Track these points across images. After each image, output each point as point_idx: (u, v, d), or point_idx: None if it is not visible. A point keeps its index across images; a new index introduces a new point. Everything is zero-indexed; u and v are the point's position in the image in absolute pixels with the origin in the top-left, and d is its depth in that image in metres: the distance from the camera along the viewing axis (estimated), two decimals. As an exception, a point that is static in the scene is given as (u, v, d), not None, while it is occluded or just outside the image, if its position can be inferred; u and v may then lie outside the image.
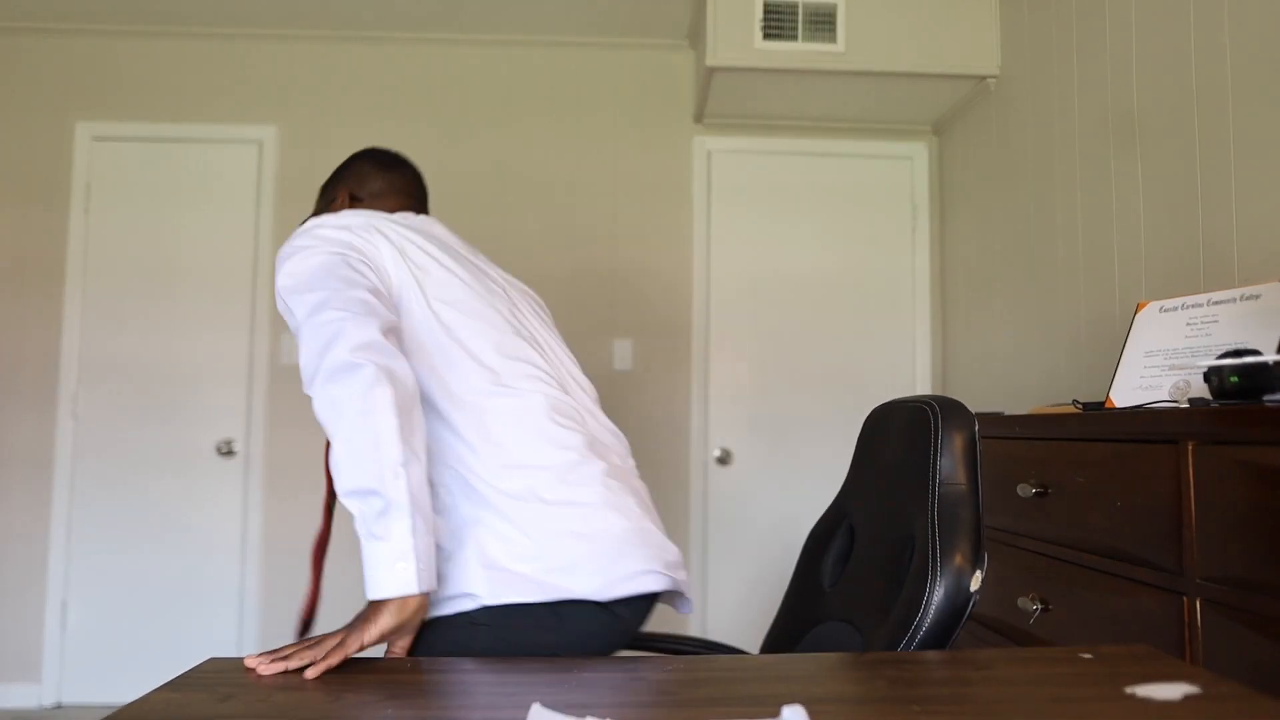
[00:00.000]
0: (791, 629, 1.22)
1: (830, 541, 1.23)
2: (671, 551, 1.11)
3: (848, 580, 1.14)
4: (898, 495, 1.06)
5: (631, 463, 1.22)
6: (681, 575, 1.11)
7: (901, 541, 1.01)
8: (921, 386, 3.09)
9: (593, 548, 1.05)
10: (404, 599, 0.86)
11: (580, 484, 1.08)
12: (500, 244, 3.08)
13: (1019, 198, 2.48)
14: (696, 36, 2.98)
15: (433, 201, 3.08)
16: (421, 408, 0.99)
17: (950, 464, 0.97)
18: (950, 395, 2.98)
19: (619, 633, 1.08)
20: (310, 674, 0.74)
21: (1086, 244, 2.11)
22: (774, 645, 1.24)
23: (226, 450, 2.97)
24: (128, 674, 2.90)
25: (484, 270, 1.24)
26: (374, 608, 0.86)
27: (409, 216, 1.27)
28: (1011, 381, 2.52)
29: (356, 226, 1.11)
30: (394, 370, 0.94)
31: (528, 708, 0.54)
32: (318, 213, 1.34)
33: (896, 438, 1.10)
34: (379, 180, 1.37)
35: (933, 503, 0.96)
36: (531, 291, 1.37)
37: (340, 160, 3.07)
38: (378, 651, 2.87)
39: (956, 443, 0.98)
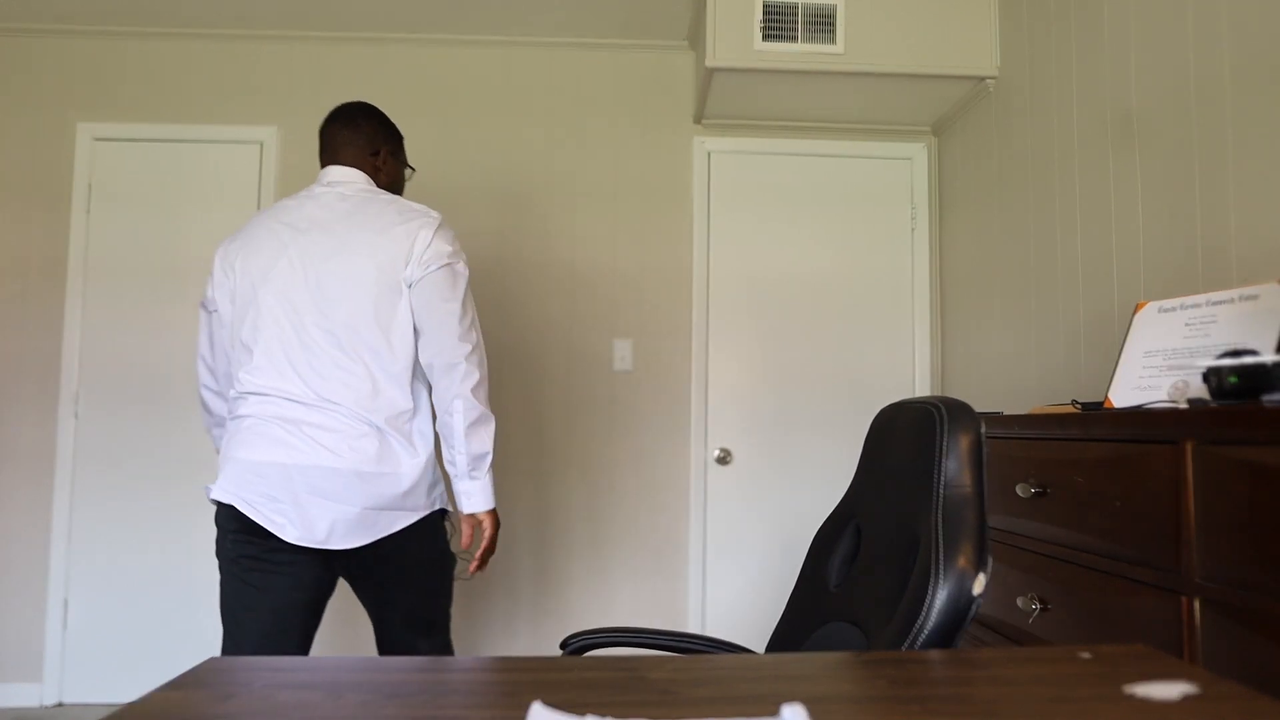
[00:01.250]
0: (797, 629, 1.22)
1: (837, 541, 1.23)
2: (262, 485, 1.50)
3: (854, 581, 1.15)
4: (903, 496, 1.06)
5: (319, 415, 1.53)
6: (271, 511, 1.50)
7: (907, 543, 1.02)
8: (920, 387, 3.10)
9: (224, 463, 1.56)
10: None
11: (234, 423, 1.58)
12: (500, 244, 3.08)
13: (1018, 198, 2.48)
14: (696, 37, 2.98)
15: (432, 204, 3.08)
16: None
17: (955, 466, 0.97)
18: (949, 395, 2.98)
19: (229, 533, 1.53)
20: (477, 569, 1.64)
21: (1085, 244, 2.12)
22: (779, 645, 1.24)
23: (227, 450, 2.97)
24: (129, 673, 2.90)
25: (261, 257, 1.60)
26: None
27: (300, 193, 1.69)
28: (1010, 381, 2.52)
29: (215, 268, 1.68)
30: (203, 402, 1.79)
31: (527, 707, 0.54)
32: None
33: (903, 439, 1.10)
34: (320, 143, 1.76)
35: (937, 505, 0.96)
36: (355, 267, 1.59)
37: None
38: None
39: (962, 445, 0.98)
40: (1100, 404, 1.55)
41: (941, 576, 0.90)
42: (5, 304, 2.98)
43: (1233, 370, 1.08)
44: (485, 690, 0.59)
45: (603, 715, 0.53)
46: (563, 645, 1.30)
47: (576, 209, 3.10)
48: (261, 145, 3.07)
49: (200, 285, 3.02)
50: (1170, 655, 0.72)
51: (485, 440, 1.61)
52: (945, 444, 0.98)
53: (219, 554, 1.55)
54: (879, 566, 1.08)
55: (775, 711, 0.54)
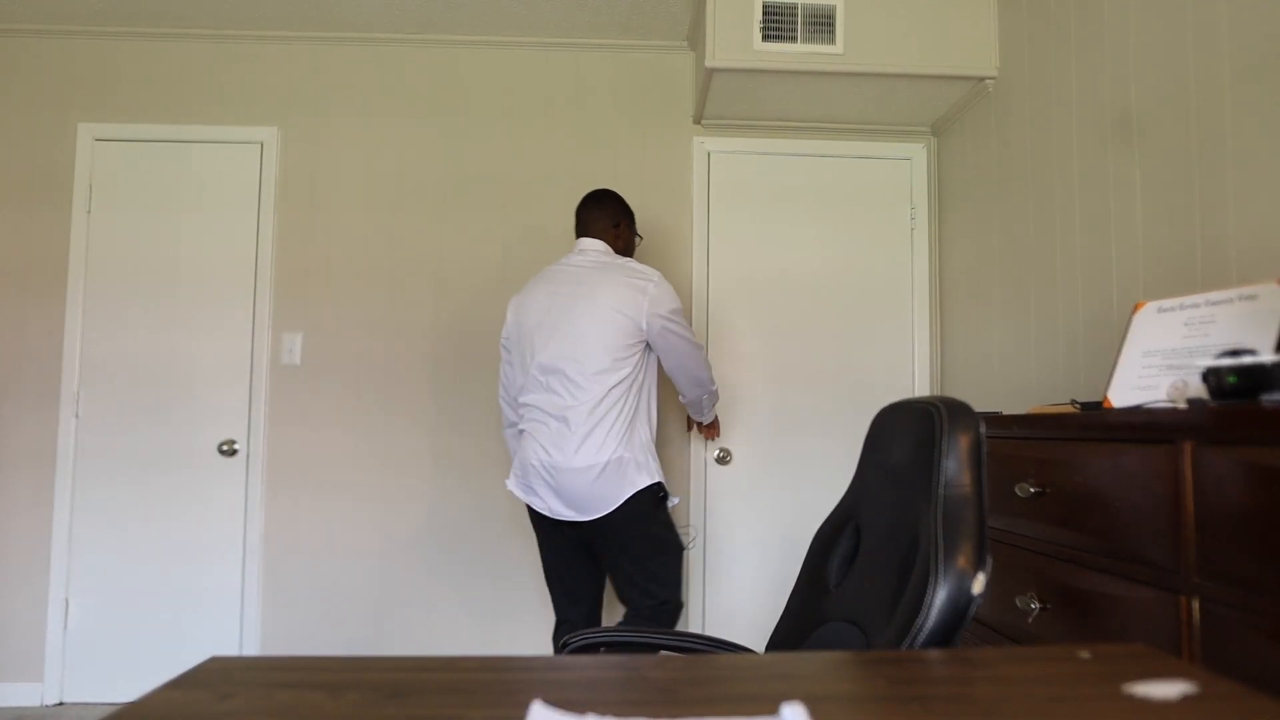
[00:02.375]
0: (797, 629, 1.22)
1: (837, 541, 1.23)
2: (525, 477, 2.18)
3: (853, 581, 1.15)
4: (903, 496, 1.06)
5: (555, 425, 2.11)
6: (528, 494, 2.18)
7: (907, 543, 1.02)
8: (920, 386, 3.10)
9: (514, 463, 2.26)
10: None
11: (518, 433, 2.30)
12: (500, 244, 3.09)
13: (1017, 198, 2.48)
14: (696, 38, 2.98)
15: (433, 204, 3.09)
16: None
17: (955, 466, 0.97)
18: (949, 395, 2.98)
19: (529, 512, 2.25)
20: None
21: (1084, 244, 2.12)
22: (779, 644, 1.24)
23: (229, 450, 2.97)
24: (129, 672, 2.91)
25: (535, 310, 2.21)
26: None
27: (566, 256, 2.36)
28: (1009, 381, 2.52)
29: (508, 315, 2.32)
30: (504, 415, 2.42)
31: (527, 706, 0.55)
32: None
33: (902, 439, 1.10)
34: (575, 219, 2.36)
35: (937, 505, 0.96)
36: (584, 298, 2.14)
37: (347, 161, 3.08)
38: (382, 649, 2.87)
39: (961, 445, 0.98)
40: (1099, 404, 1.55)
41: (941, 576, 0.90)
42: (5, 304, 2.99)
43: (1231, 370, 1.08)
44: (485, 690, 0.59)
45: (603, 715, 0.53)
46: (563, 645, 1.30)
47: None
48: (261, 146, 3.07)
49: (199, 284, 3.03)
50: (1169, 655, 0.72)
51: (714, 409, 2.54)
52: (945, 444, 0.99)
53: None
54: (879, 566, 1.08)
55: (775, 711, 0.54)
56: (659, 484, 2.14)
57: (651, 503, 2.13)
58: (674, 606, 2.14)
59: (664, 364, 2.23)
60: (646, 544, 2.12)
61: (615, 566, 2.14)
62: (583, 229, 2.30)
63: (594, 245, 2.26)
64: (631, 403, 2.13)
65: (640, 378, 2.16)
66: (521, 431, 2.22)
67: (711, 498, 3.04)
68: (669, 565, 2.14)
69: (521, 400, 2.21)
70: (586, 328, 2.10)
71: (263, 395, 2.99)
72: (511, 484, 2.24)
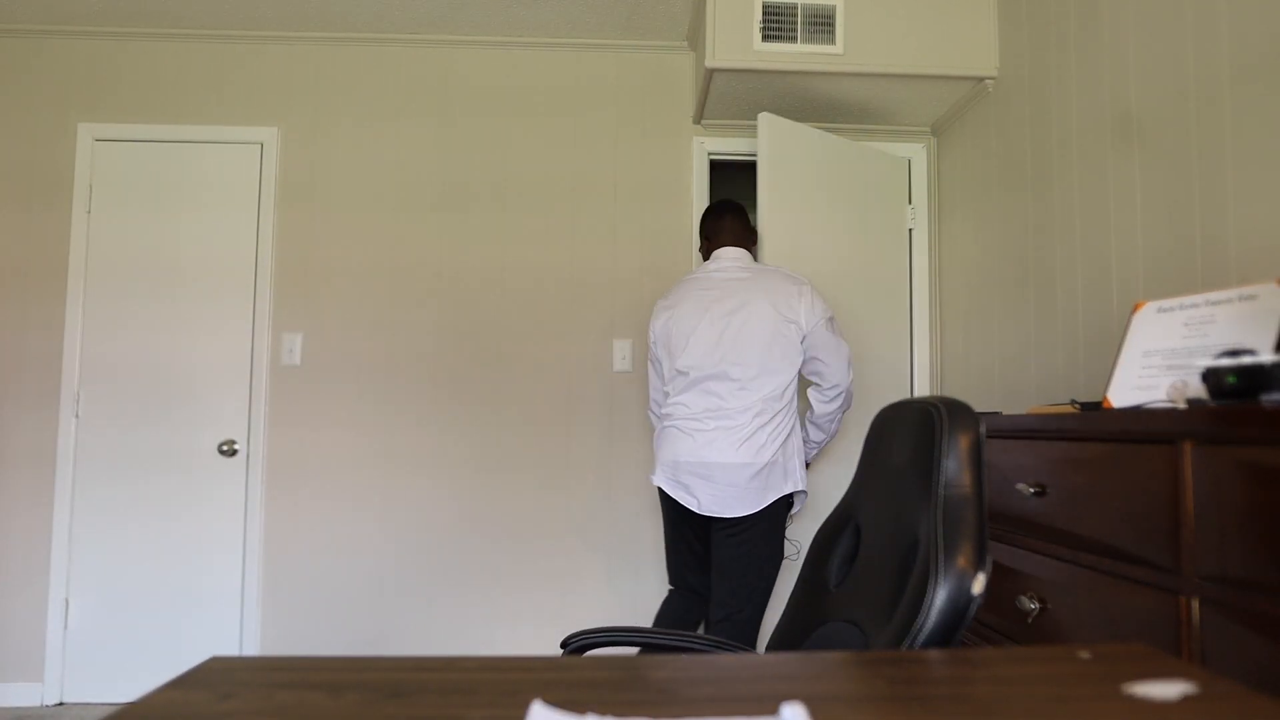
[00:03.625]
0: (797, 629, 1.22)
1: (837, 541, 1.23)
2: (672, 472, 2.22)
3: (853, 581, 1.15)
4: (903, 497, 1.06)
5: (712, 424, 2.16)
6: (676, 488, 2.21)
7: (907, 543, 1.02)
8: (919, 387, 3.10)
9: (657, 459, 2.29)
10: None
11: (661, 429, 2.29)
12: (500, 244, 3.08)
13: (1017, 198, 2.48)
14: (696, 38, 2.98)
15: (433, 204, 3.09)
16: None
17: (955, 467, 0.97)
18: (949, 395, 2.97)
19: (667, 505, 2.31)
20: None
21: (1084, 244, 2.12)
22: (779, 645, 1.25)
23: (229, 450, 2.97)
24: (129, 672, 2.91)
25: (689, 317, 2.25)
26: None
27: (706, 263, 2.37)
28: (1009, 381, 2.52)
29: (654, 322, 2.38)
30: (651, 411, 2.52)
31: (527, 706, 0.55)
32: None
33: (902, 439, 1.10)
34: (708, 228, 2.42)
35: (937, 505, 0.96)
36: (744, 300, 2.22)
37: (347, 161, 3.08)
38: (382, 649, 2.87)
39: (961, 445, 0.98)
40: (1099, 404, 1.55)
41: (941, 576, 0.90)
42: (5, 304, 2.99)
43: (1231, 370, 1.08)
44: (485, 690, 0.59)
45: (603, 715, 0.53)
46: (563, 645, 1.30)
47: (576, 209, 3.10)
48: (261, 146, 3.07)
49: (199, 284, 3.03)
50: (1169, 655, 0.72)
51: (836, 430, 2.40)
52: (945, 444, 0.99)
53: (662, 512, 2.36)
54: (879, 566, 1.08)
55: (775, 711, 0.54)
56: (796, 492, 2.19)
57: (784, 509, 2.19)
58: (754, 626, 2.15)
59: (808, 369, 2.23)
60: (763, 548, 2.16)
61: (727, 562, 2.16)
62: (725, 238, 2.35)
63: (738, 254, 2.32)
64: (789, 407, 2.19)
65: (795, 383, 2.20)
66: (667, 428, 2.25)
67: (711, 498, 3.03)
68: (768, 575, 2.17)
69: (672, 400, 2.26)
70: (753, 333, 2.16)
71: (263, 395, 2.99)
72: (659, 479, 2.25)
